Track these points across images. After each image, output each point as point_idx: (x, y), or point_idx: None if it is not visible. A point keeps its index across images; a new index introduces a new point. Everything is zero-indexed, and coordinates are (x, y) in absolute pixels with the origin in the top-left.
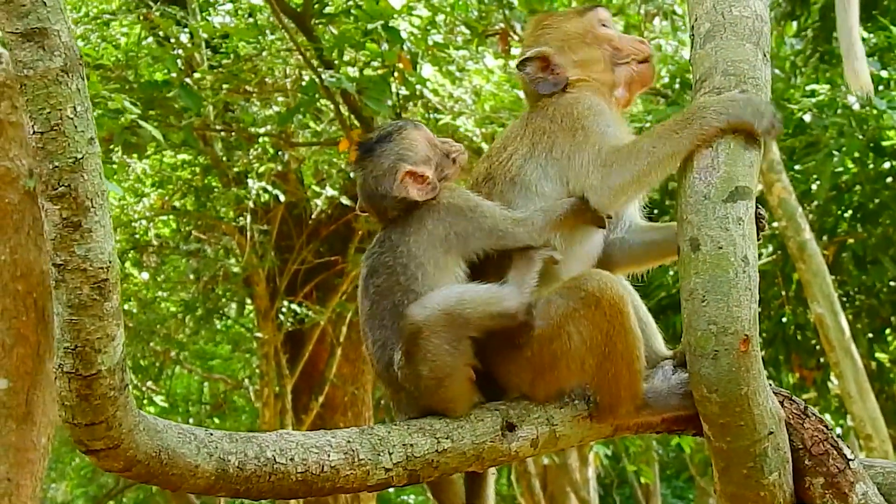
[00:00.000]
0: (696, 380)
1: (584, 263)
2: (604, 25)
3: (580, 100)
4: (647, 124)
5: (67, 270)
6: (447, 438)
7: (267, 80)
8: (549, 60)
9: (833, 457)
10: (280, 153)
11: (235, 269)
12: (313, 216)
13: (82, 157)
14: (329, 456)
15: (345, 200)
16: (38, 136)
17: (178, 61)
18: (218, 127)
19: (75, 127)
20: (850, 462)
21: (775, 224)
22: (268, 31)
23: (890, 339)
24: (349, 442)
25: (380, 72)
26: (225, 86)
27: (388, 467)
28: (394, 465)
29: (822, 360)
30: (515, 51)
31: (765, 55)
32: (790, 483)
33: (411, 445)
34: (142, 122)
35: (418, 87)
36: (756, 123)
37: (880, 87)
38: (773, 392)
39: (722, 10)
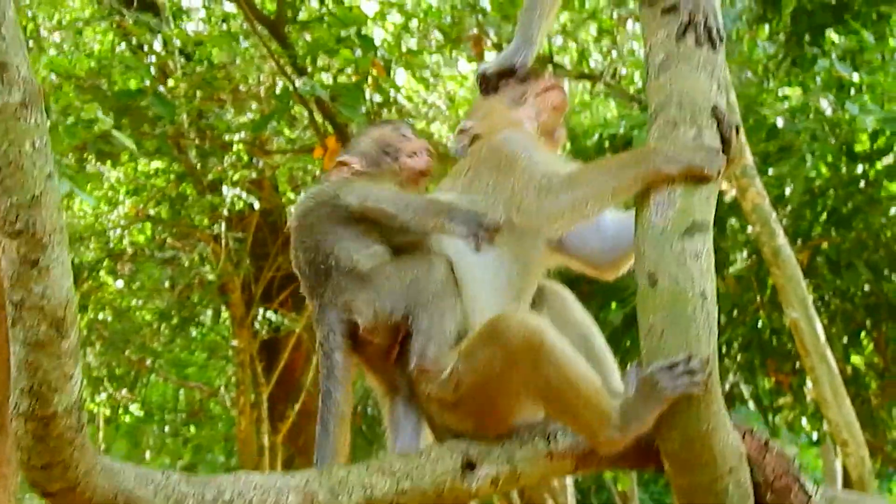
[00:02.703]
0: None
1: (503, 297)
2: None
3: (505, 137)
4: (622, 129)
5: (25, 308)
6: (407, 478)
7: (241, 87)
8: (463, 129)
9: (795, 492)
10: (254, 160)
11: (211, 277)
12: (288, 223)
13: (40, 194)
14: (287, 498)
15: None
16: None
17: (152, 69)
18: (192, 135)
19: (34, 163)
20: (812, 496)
21: (749, 229)
22: (241, 38)
23: (865, 343)
24: (307, 483)
25: (354, 78)
26: (199, 93)
27: None
28: None
29: (797, 364)
30: (489, 55)
31: (719, 86)
32: None
33: (371, 486)
34: (114, 132)
35: (392, 93)
36: (706, 168)
37: (852, 91)
38: (734, 426)
39: (677, 42)
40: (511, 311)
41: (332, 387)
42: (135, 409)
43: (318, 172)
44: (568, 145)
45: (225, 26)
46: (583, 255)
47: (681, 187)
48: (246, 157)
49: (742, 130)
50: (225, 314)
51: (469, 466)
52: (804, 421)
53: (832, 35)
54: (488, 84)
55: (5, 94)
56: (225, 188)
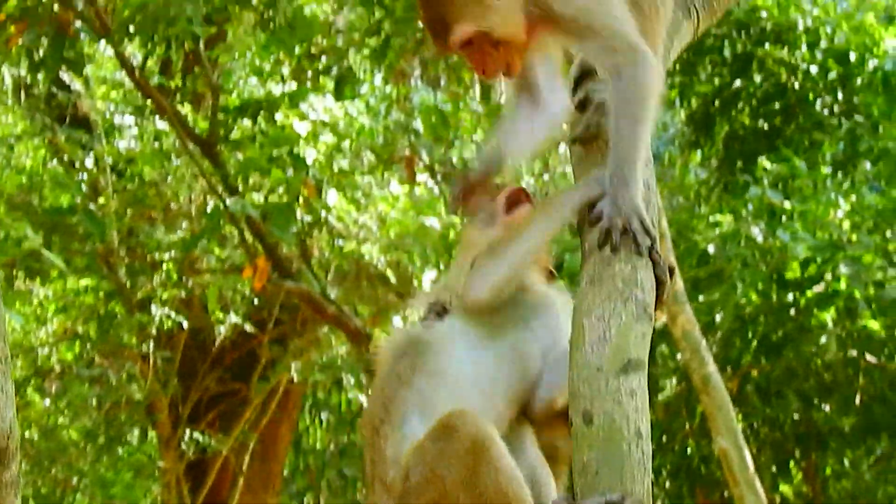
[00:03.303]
0: None
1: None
2: None
3: None
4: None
5: None
6: None
7: (172, 205)
8: None
9: None
10: (184, 279)
11: (138, 396)
12: (217, 343)
13: None
14: None
15: (249, 328)
16: None
17: (83, 186)
18: (122, 252)
19: None
20: None
21: (679, 356)
22: (173, 156)
23: (794, 472)
24: None
25: (285, 198)
26: (129, 211)
27: None
28: None
29: (725, 493)
30: (421, 177)
31: (651, 217)
32: None
33: None
34: (43, 251)
35: (323, 213)
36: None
37: (783, 219)
38: None
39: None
40: (468, 410)
41: None
42: None
43: (247, 292)
44: None
45: (157, 144)
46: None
47: (615, 326)
48: (175, 276)
49: (677, 271)
50: (152, 434)
51: None
52: None
53: (764, 162)
54: (465, 204)
55: None
56: (154, 307)
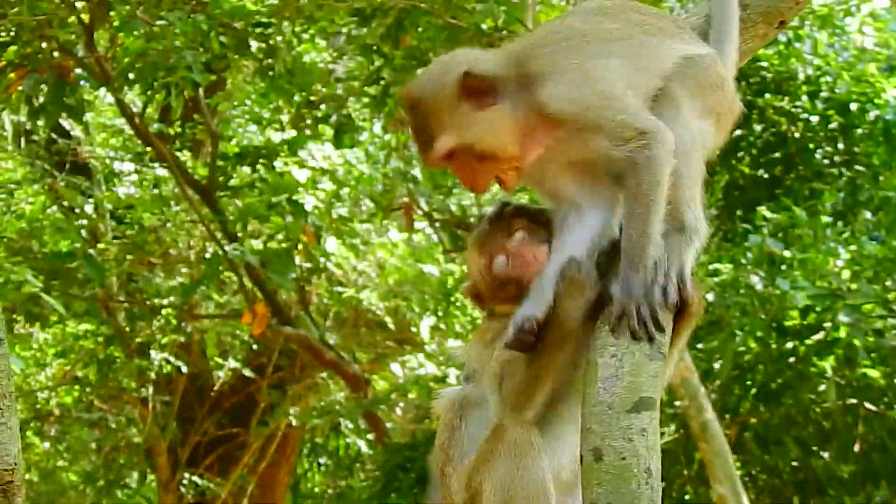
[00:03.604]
0: None
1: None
2: None
3: None
4: None
5: None
6: None
7: (171, 251)
8: None
9: None
10: (183, 324)
11: (137, 440)
12: (216, 388)
13: None
14: None
15: (247, 372)
16: None
17: (83, 232)
18: (121, 297)
19: None
20: None
21: (677, 403)
22: (172, 203)
23: None
24: None
25: (284, 245)
26: (129, 256)
27: None
28: None
29: None
30: (419, 224)
31: None
32: None
33: None
34: (43, 295)
35: (322, 260)
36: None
37: (783, 267)
38: None
39: None
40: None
41: None
42: None
43: (246, 338)
44: None
45: (156, 190)
46: None
47: (628, 364)
48: (175, 322)
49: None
50: (151, 477)
51: None
52: None
53: (764, 211)
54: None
55: None
56: (153, 352)
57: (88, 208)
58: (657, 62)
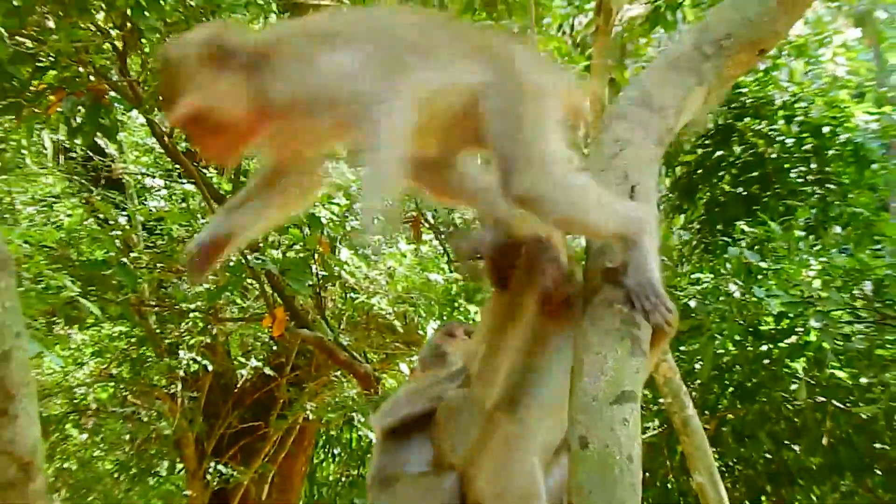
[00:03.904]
0: None
1: None
2: None
3: None
4: None
5: None
6: None
7: None
8: None
9: None
10: (209, 327)
11: (167, 432)
12: (239, 385)
13: (9, 349)
14: None
15: (268, 371)
16: None
17: (117, 242)
18: (152, 302)
19: (4, 322)
20: None
21: (661, 400)
22: (199, 216)
23: None
24: None
25: (301, 254)
26: (159, 264)
27: None
28: None
29: None
30: (426, 236)
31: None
32: None
33: None
34: (81, 299)
35: (336, 269)
36: None
37: (759, 277)
38: None
39: None
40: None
41: None
42: None
43: (267, 339)
44: None
45: (184, 204)
46: None
47: (612, 360)
48: (201, 324)
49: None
50: (179, 466)
51: None
52: None
53: (742, 225)
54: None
55: None
56: (181, 352)
57: (122, 220)
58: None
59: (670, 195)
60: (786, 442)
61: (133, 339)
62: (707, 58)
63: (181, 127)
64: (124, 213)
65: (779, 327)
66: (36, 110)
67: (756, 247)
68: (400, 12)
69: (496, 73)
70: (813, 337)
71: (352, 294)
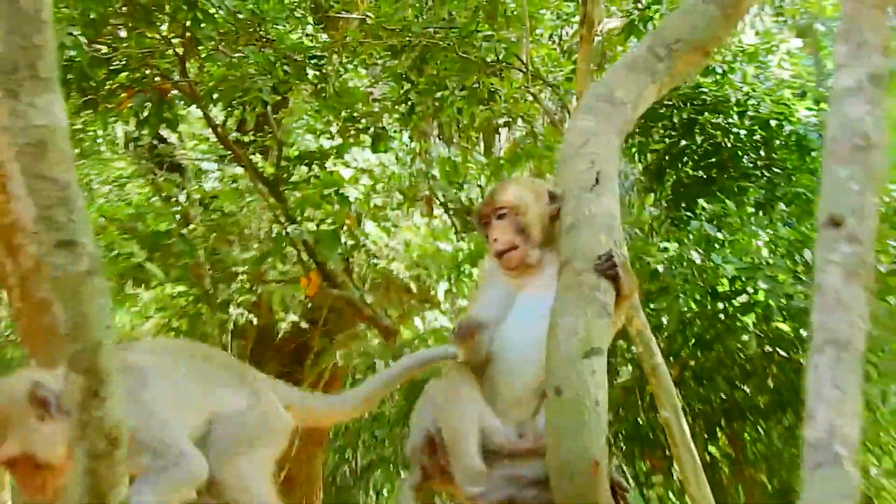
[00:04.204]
0: (558, 492)
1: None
2: None
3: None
4: None
5: (88, 428)
6: None
7: (245, 231)
8: None
9: None
10: (254, 287)
11: None
12: (279, 336)
13: (101, 341)
14: None
15: (303, 325)
16: (67, 323)
17: (177, 216)
18: (207, 266)
19: (96, 318)
20: None
21: (634, 349)
22: (246, 194)
23: (720, 438)
24: None
25: (332, 227)
26: (213, 235)
27: None
28: None
29: (667, 452)
30: (437, 212)
31: (616, 241)
32: None
33: None
34: (147, 264)
35: (361, 239)
36: None
37: (716, 246)
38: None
39: (584, 208)
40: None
41: None
42: None
43: (303, 298)
44: None
45: (234, 184)
46: None
47: (582, 321)
48: (248, 285)
49: (630, 270)
50: None
51: None
52: (671, 496)
53: (702, 203)
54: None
55: (75, 264)
56: (231, 308)
57: (182, 198)
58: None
59: (642, 178)
60: (738, 384)
61: (190, 298)
62: (660, 59)
63: (3, 467)
64: (183, 192)
65: (733, 288)
66: (109, 106)
67: (714, 221)
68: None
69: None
70: (761, 296)
71: (374, 260)
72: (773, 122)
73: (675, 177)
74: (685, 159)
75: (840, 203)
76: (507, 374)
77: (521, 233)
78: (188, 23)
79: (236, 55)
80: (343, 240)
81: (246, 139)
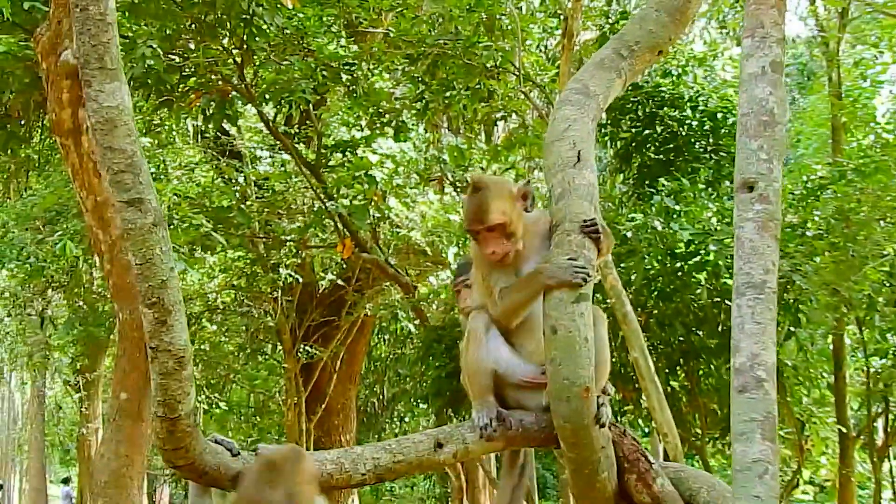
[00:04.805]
0: (556, 414)
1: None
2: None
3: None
4: None
5: (158, 351)
6: (400, 454)
7: (292, 206)
8: None
9: (642, 461)
10: (299, 252)
11: (271, 324)
12: (319, 292)
13: (166, 279)
14: (326, 466)
15: (339, 282)
16: (137, 266)
17: (237, 194)
18: (261, 235)
19: (161, 260)
20: (653, 465)
21: (608, 301)
22: (293, 176)
23: (679, 374)
24: (338, 457)
25: (362, 202)
26: (265, 210)
27: (363, 472)
28: (367, 472)
29: (637, 386)
30: (447, 190)
31: (595, 208)
32: (615, 479)
33: (377, 458)
34: (212, 233)
35: (386, 212)
36: (571, 279)
37: (674, 216)
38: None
39: (569, 181)
40: (485, 314)
41: None
42: (222, 405)
43: (339, 260)
44: None
45: (283, 168)
46: None
47: None
48: (294, 250)
49: (608, 232)
50: (279, 347)
51: (439, 445)
52: (640, 421)
53: (663, 181)
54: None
55: (143, 218)
56: (281, 269)
57: (240, 179)
58: None
59: (613, 161)
60: (693, 329)
61: (247, 261)
62: (623, 58)
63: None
64: (241, 174)
65: (688, 251)
66: (182, 105)
67: (672, 196)
68: None
69: None
70: (711, 257)
71: (396, 229)
72: (719, 115)
73: (640, 160)
74: (648, 145)
75: (751, 170)
76: (528, 329)
77: (510, 237)
78: (245, 37)
79: (284, 63)
80: (371, 213)
81: (292, 131)
